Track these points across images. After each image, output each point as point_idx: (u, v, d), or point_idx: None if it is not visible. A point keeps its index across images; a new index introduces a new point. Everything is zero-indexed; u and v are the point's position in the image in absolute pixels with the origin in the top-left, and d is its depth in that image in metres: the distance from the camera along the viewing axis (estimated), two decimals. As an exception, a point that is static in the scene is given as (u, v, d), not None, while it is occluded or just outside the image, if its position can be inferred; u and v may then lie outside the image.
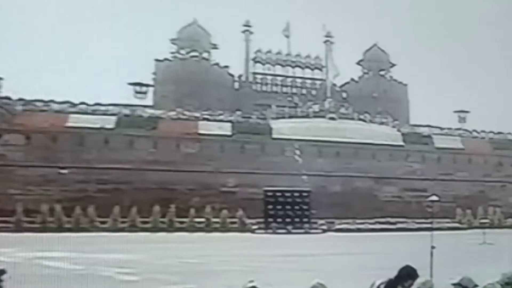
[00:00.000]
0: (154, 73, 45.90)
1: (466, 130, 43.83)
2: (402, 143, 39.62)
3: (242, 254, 19.42)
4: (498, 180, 40.55)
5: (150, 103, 42.13)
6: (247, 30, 47.94)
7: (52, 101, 34.28)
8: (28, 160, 30.66)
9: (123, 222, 29.23)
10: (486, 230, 26.25)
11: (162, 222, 30.05)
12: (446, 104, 51.01)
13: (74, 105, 34.51)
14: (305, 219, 32.40)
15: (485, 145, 42.37)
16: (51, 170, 30.68)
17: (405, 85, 51.75)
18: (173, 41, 46.62)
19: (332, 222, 33.23)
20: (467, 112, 47.27)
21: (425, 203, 37.39)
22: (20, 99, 33.61)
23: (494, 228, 34.79)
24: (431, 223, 34.38)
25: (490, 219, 36.79)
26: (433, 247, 13.09)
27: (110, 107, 35.00)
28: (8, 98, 33.24)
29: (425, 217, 34.71)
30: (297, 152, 35.56)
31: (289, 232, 31.14)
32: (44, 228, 27.28)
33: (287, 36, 48.92)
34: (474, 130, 43.84)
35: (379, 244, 24.81)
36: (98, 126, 32.65)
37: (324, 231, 32.31)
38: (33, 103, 33.70)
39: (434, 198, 15.35)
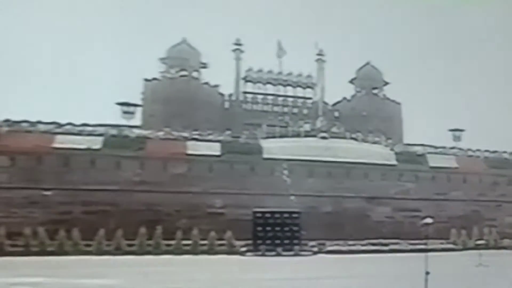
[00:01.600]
0: (143, 93, 45.91)
1: (460, 149, 43.78)
2: (395, 162, 39.52)
3: (230, 279, 19.27)
4: (494, 199, 40.63)
5: (138, 123, 42.19)
6: (237, 49, 48.12)
7: (38, 122, 34.15)
8: (12, 182, 30.61)
9: (108, 245, 29.07)
10: (482, 251, 26.19)
11: (148, 245, 29.87)
12: (441, 122, 51.04)
13: (60, 125, 34.40)
14: (295, 241, 32.10)
15: (480, 164, 42.33)
16: (36, 192, 30.63)
17: (399, 103, 51.85)
18: (162, 60, 46.73)
19: (323, 244, 33.04)
20: (462, 130, 47.34)
21: (419, 223, 37.83)
22: (6, 120, 33.53)
23: (490, 249, 35.11)
24: (425, 244, 34.55)
25: (485, 239, 36.92)
26: (427, 273, 12.97)
27: (97, 128, 34.91)
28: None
29: (418, 238, 35.13)
30: (285, 172, 35.41)
31: (278, 254, 30.92)
32: (27, 252, 27.28)
33: (280, 56, 49.16)
34: (469, 149, 43.79)
35: (372, 267, 24.80)
36: (84, 147, 32.59)
37: (315, 253, 32.11)
38: (19, 124, 33.61)
39: (429, 220, 14.97)
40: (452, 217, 38.31)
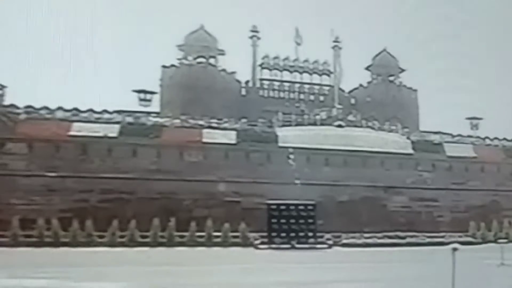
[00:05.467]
0: (161, 79, 46.04)
1: (478, 137, 43.30)
2: (411, 151, 39.19)
3: (243, 273, 19.11)
4: None
5: (157, 109, 42.38)
6: (254, 36, 47.94)
7: (58, 108, 34.31)
8: (30, 169, 30.92)
9: (122, 237, 29.26)
10: (503, 246, 23.97)
11: (162, 237, 29.95)
12: (458, 110, 50.45)
13: (79, 112, 34.57)
14: (311, 233, 31.72)
15: (498, 153, 41.81)
16: (54, 179, 30.89)
17: (415, 90, 51.42)
18: (180, 47, 46.73)
19: (339, 236, 32.75)
20: (479, 119, 46.79)
21: (436, 213, 37.67)
22: (27, 106, 33.77)
23: (511, 242, 35.22)
24: (443, 237, 34.42)
25: (505, 232, 35.77)
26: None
27: (115, 115, 35.06)
28: (12, 106, 33.41)
29: (436, 231, 35.00)
30: (291, 156, 35.20)
31: (293, 247, 30.62)
32: (41, 243, 27.68)
33: (299, 43, 48.86)
34: (487, 137, 43.25)
35: (389, 263, 23.89)
36: (101, 134, 32.77)
37: (330, 246, 31.78)
38: (37, 111, 33.83)
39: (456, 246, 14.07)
40: (470, 207, 38.11)
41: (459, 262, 12.62)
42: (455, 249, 13.14)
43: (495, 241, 35.12)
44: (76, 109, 34.64)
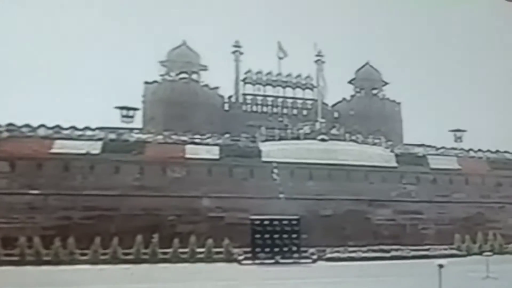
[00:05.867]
0: (144, 96, 46.84)
1: (462, 149, 44.13)
2: (395, 164, 39.96)
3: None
4: (497, 201, 40.80)
5: (140, 126, 43.13)
6: (237, 51, 49.02)
7: (40, 126, 34.87)
8: (12, 188, 31.42)
9: (104, 254, 29.67)
10: (489, 258, 24.48)
11: (145, 253, 30.41)
12: (441, 122, 51.60)
13: (62, 129, 35.19)
14: (295, 248, 32.30)
15: (483, 165, 42.62)
16: (36, 197, 31.40)
17: (399, 103, 52.56)
18: (162, 63, 47.62)
19: (323, 251, 33.32)
20: (463, 131, 47.68)
21: (420, 226, 38.34)
22: (8, 124, 34.30)
23: (496, 254, 35.82)
24: (427, 250, 35.12)
25: (490, 244, 36.73)
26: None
27: (97, 132, 35.73)
28: (-7, 124, 34.00)
29: (420, 244, 35.76)
30: (275, 170, 35.95)
31: (277, 262, 31.17)
32: (22, 261, 28.16)
33: (281, 58, 50.01)
34: (471, 149, 44.15)
35: (374, 277, 24.60)
36: (83, 151, 33.34)
37: (315, 260, 32.29)
38: (19, 129, 34.38)
39: (442, 262, 14.50)
40: (455, 220, 38.81)
41: (445, 276, 13.03)
42: (441, 266, 13.65)
43: (480, 254, 36.11)
44: (58, 126, 35.23)
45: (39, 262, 28.44)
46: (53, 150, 33.03)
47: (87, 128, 35.91)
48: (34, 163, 32.17)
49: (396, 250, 34.96)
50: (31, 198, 31.27)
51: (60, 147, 33.32)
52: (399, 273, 25.88)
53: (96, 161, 33.39)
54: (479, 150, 44.35)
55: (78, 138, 34.66)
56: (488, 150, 44.53)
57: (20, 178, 31.75)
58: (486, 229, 38.19)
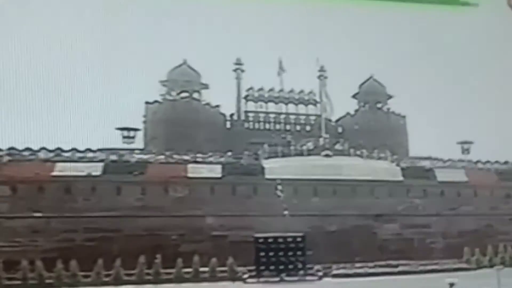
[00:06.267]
0: (145, 116, 47.65)
1: (470, 161, 44.50)
2: (401, 178, 40.45)
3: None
4: (507, 212, 41.02)
5: (141, 146, 43.91)
6: (238, 68, 49.89)
7: (41, 149, 35.76)
8: (14, 211, 32.21)
9: (107, 276, 30.40)
10: (500, 271, 23.93)
11: (148, 274, 31.11)
12: (448, 135, 51.94)
13: (63, 151, 36.04)
14: (300, 265, 32.87)
15: (491, 177, 43.03)
16: (38, 220, 32.18)
17: (404, 116, 53.01)
18: (163, 83, 48.49)
19: (329, 267, 33.87)
20: (470, 143, 48.05)
21: (428, 240, 38.67)
22: (10, 148, 35.20)
23: (507, 267, 35.86)
24: (436, 263, 35.38)
25: (501, 257, 37.07)
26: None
27: (98, 153, 36.53)
28: (-6, 148, 34.90)
29: (429, 258, 36.12)
30: (279, 187, 36.54)
31: (282, 280, 31.79)
32: (25, 285, 28.97)
33: (280, 75, 50.89)
34: (479, 161, 44.47)
35: None
36: (84, 173, 34.13)
37: (320, 277, 32.89)
38: (20, 152, 35.27)
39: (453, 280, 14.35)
40: (464, 232, 39.08)
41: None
42: (451, 285, 13.77)
43: (490, 267, 36.29)
44: (59, 148, 36.08)
45: (41, 285, 29.22)
46: (54, 173, 33.88)
47: (88, 150, 36.68)
48: (35, 186, 32.97)
49: (404, 265, 35.32)
50: (33, 221, 32.04)
51: (61, 169, 34.17)
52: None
53: (97, 182, 34.16)
54: (487, 161, 44.66)
55: (79, 160, 35.48)
56: (497, 162, 44.85)
57: (21, 202, 32.52)
58: (496, 242, 38.43)
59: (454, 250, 37.29)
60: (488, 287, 22.73)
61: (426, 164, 42.94)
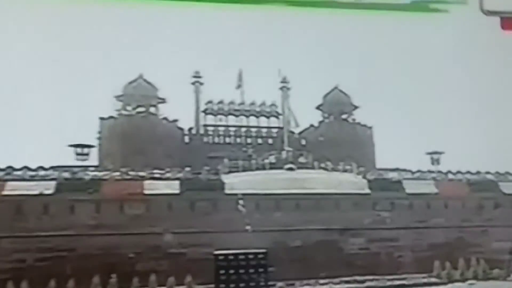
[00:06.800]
0: (99, 132, 49.62)
1: (440, 172, 46.32)
2: (368, 191, 42.13)
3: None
4: (479, 224, 42.52)
5: (95, 163, 45.87)
6: (197, 81, 52.27)
7: (-10, 167, 37.37)
8: (-37, 232, 33.80)
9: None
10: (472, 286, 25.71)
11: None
12: (417, 145, 54.41)
13: (14, 170, 37.71)
14: (262, 283, 34.65)
15: (462, 187, 44.51)
16: (-13, 241, 33.83)
17: (370, 127, 55.50)
18: (118, 97, 50.49)
19: (293, 284, 35.47)
20: (440, 153, 50.40)
21: (396, 254, 40.44)
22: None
23: (479, 281, 37.25)
24: (404, 278, 37.05)
25: (473, 271, 38.61)
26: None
27: (51, 172, 38.31)
28: None
29: (397, 273, 37.96)
30: (241, 202, 38.43)
31: (243, 299, 32.97)
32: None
33: (241, 86, 53.27)
34: (449, 172, 46.13)
35: None
36: (36, 192, 35.82)
37: (283, 295, 34.15)
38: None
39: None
40: (434, 246, 40.76)
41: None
42: None
43: (462, 281, 38.07)
44: (10, 167, 37.80)
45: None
46: (4, 192, 35.41)
47: (40, 168, 38.40)
48: (-15, 206, 34.58)
49: (371, 280, 36.82)
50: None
51: (12, 188, 35.65)
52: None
53: (50, 201, 35.68)
54: (458, 172, 46.11)
55: (31, 179, 37.12)
56: (468, 172, 46.19)
57: (-29, 223, 34.11)
58: (468, 255, 39.83)
59: (424, 264, 38.76)
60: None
61: (394, 176, 44.55)
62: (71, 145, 42.09)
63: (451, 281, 37.81)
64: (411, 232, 41.31)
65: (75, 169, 39.36)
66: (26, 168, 38.12)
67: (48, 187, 36.47)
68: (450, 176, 46.11)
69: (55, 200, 35.97)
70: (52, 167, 38.87)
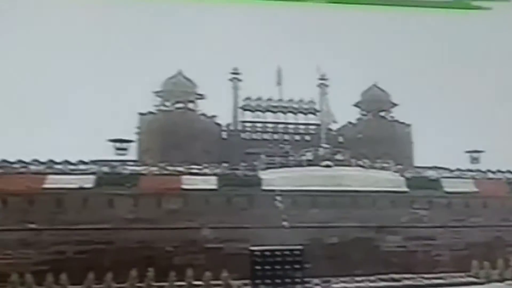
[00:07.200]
0: (138, 127, 50.16)
1: (479, 170, 45.52)
2: (406, 189, 41.64)
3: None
4: None
5: (134, 157, 46.38)
6: (235, 78, 52.47)
7: (33, 161, 38.11)
8: (5, 224, 34.49)
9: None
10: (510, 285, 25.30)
11: (140, 287, 33.04)
12: (456, 144, 53.44)
13: (55, 163, 38.33)
14: (297, 279, 34.48)
15: (502, 187, 43.81)
16: (29, 233, 34.48)
17: (409, 125, 54.94)
18: (157, 93, 51.01)
19: (328, 281, 35.20)
20: (480, 151, 49.49)
21: (434, 252, 39.98)
22: (2, 161, 37.57)
23: None
24: (441, 278, 36.58)
25: None
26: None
27: (91, 166, 38.88)
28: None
29: (434, 272, 37.54)
30: (278, 198, 38.45)
31: (278, 294, 32.95)
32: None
33: (280, 84, 53.27)
34: (489, 170, 45.40)
35: None
36: (76, 186, 36.42)
37: (319, 291, 34.09)
38: (12, 164, 37.66)
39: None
40: (472, 245, 40.15)
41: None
42: None
43: (501, 281, 37.67)
44: (51, 161, 38.44)
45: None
46: (45, 185, 36.09)
47: (80, 161, 39.02)
48: (26, 199, 35.30)
49: (408, 278, 36.35)
50: (24, 234, 34.30)
51: (52, 182, 36.33)
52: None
53: (89, 195, 36.28)
54: (498, 171, 45.39)
55: (71, 172, 37.73)
56: (508, 171, 45.45)
57: (12, 215, 34.78)
58: (507, 254, 39.13)
59: (462, 263, 38.37)
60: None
61: (432, 174, 43.99)
62: (110, 140, 42.57)
63: (489, 281, 37.21)
64: (449, 231, 40.86)
65: (114, 164, 39.79)
66: (67, 161, 38.72)
67: (88, 181, 37.06)
68: (490, 175, 45.42)
69: (94, 194, 36.51)
70: (92, 161, 39.42)
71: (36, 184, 36.09)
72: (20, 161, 37.98)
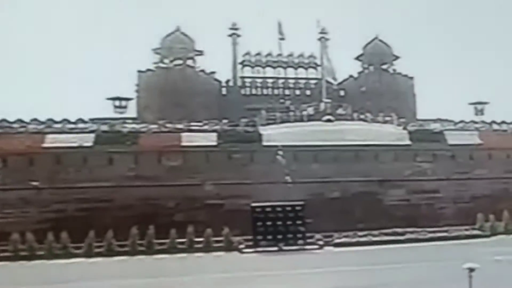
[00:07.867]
0: (137, 85, 49.81)
1: (483, 122, 45.35)
2: (408, 142, 41.42)
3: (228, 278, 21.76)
4: None
5: (134, 115, 46.23)
6: (234, 33, 51.75)
7: (32, 120, 38.04)
8: (5, 183, 34.56)
9: (99, 247, 32.50)
10: None
11: (141, 245, 33.07)
12: (460, 95, 53.09)
13: (54, 122, 38.24)
14: (299, 234, 34.23)
15: (507, 138, 43.51)
16: (29, 192, 34.54)
17: (411, 78, 54.36)
18: (155, 50, 50.48)
19: (331, 236, 35.12)
20: (485, 103, 49.13)
21: (437, 205, 39.65)
22: (1, 120, 37.54)
23: None
24: (446, 231, 36.31)
25: None
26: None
27: (90, 124, 38.68)
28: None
29: (438, 225, 37.19)
30: (280, 152, 38.15)
31: (280, 250, 33.15)
32: (16, 256, 31.26)
33: (282, 38, 52.52)
34: (494, 122, 45.15)
35: (388, 264, 25.39)
36: (75, 145, 36.32)
37: (321, 246, 34.12)
38: (11, 124, 37.60)
39: (472, 266, 13.36)
40: (477, 197, 40.10)
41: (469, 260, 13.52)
42: (471, 270, 13.93)
43: (507, 233, 37.31)
44: (50, 120, 38.41)
45: (32, 257, 31.35)
46: (45, 145, 36.08)
47: (79, 120, 38.96)
48: (26, 158, 35.27)
49: (412, 232, 36.22)
50: (24, 193, 34.41)
51: (52, 141, 36.32)
52: (416, 258, 26.87)
53: (89, 153, 36.26)
54: (503, 122, 45.18)
55: (70, 131, 37.61)
56: None
57: (13, 174, 34.83)
58: None
59: (466, 216, 38.06)
60: (505, 256, 23.27)
61: (436, 126, 43.77)
62: (109, 98, 42.30)
63: (494, 233, 37.03)
64: (453, 184, 40.76)
65: (114, 122, 39.59)
66: (66, 120, 38.58)
67: (87, 140, 36.98)
68: (495, 126, 45.16)
69: (94, 152, 36.47)
70: (91, 120, 39.24)
71: (36, 143, 36.03)
72: (19, 120, 37.89)
